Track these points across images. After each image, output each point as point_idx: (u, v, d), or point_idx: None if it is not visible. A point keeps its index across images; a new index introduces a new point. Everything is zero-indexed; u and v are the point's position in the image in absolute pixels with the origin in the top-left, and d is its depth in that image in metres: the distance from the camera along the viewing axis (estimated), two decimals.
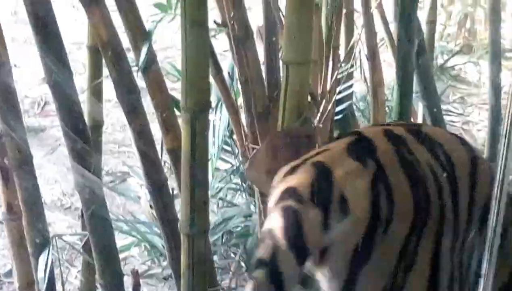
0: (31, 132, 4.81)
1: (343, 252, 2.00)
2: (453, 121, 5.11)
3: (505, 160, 1.50)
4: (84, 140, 2.33)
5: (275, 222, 1.96)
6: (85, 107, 2.76)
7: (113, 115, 4.72)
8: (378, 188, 2.01)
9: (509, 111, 1.47)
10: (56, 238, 2.67)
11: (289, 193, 1.99)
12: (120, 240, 3.52)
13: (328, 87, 2.80)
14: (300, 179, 2.01)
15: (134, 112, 2.38)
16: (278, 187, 2.04)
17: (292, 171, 2.06)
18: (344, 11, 3.49)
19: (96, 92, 2.81)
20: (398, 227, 2.01)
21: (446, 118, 4.67)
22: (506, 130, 1.49)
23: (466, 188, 2.13)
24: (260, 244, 1.99)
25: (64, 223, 4.11)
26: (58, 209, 4.26)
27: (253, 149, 2.44)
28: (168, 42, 5.67)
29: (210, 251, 2.37)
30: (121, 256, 3.65)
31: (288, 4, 1.96)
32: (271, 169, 2.07)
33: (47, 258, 2.55)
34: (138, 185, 3.86)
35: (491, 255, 1.54)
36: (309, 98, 2.30)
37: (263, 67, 2.48)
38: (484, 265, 1.56)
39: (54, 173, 4.49)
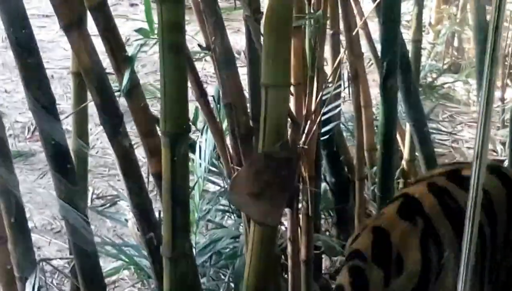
0: (21, 156, 4.82)
1: None
2: (443, 140, 5.13)
3: (477, 179, 1.51)
4: (66, 166, 2.34)
5: (344, 279, 2.40)
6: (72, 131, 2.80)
7: (103, 139, 4.72)
8: (427, 242, 2.39)
9: (480, 133, 1.48)
10: (43, 262, 2.68)
11: (355, 254, 2.42)
12: (110, 263, 3.53)
13: (312, 108, 2.80)
14: (363, 242, 2.44)
15: (117, 136, 2.39)
16: (346, 251, 2.49)
17: (357, 236, 2.49)
18: (330, 32, 3.51)
19: (82, 117, 2.82)
20: (447, 272, 2.36)
21: (436, 137, 4.70)
22: (478, 151, 1.50)
23: (504, 219, 2.50)
24: None
25: (54, 247, 4.12)
26: (48, 232, 4.26)
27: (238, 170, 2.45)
28: (157, 65, 5.68)
29: (195, 274, 2.36)
30: (111, 279, 3.67)
31: (265, 27, 1.96)
32: (253, 191, 2.08)
33: (34, 282, 2.55)
34: (128, 207, 3.85)
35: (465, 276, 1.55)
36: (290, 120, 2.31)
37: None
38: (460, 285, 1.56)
39: (45, 197, 4.48)
